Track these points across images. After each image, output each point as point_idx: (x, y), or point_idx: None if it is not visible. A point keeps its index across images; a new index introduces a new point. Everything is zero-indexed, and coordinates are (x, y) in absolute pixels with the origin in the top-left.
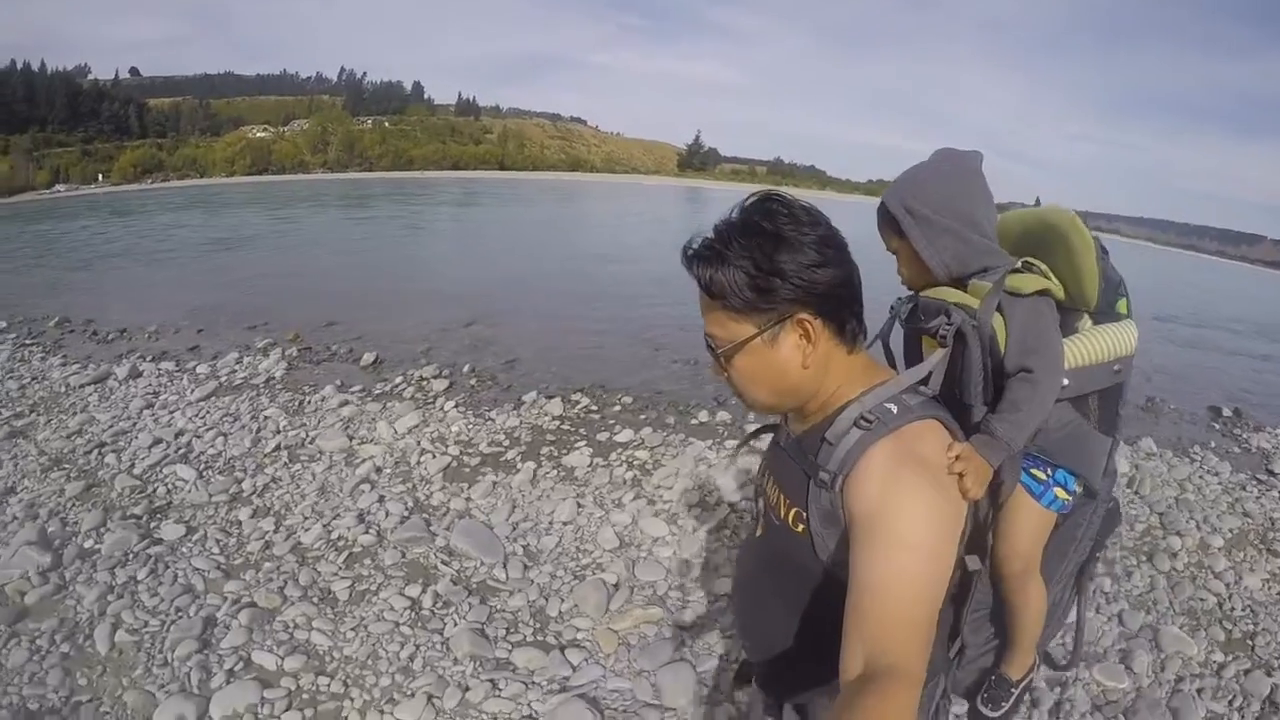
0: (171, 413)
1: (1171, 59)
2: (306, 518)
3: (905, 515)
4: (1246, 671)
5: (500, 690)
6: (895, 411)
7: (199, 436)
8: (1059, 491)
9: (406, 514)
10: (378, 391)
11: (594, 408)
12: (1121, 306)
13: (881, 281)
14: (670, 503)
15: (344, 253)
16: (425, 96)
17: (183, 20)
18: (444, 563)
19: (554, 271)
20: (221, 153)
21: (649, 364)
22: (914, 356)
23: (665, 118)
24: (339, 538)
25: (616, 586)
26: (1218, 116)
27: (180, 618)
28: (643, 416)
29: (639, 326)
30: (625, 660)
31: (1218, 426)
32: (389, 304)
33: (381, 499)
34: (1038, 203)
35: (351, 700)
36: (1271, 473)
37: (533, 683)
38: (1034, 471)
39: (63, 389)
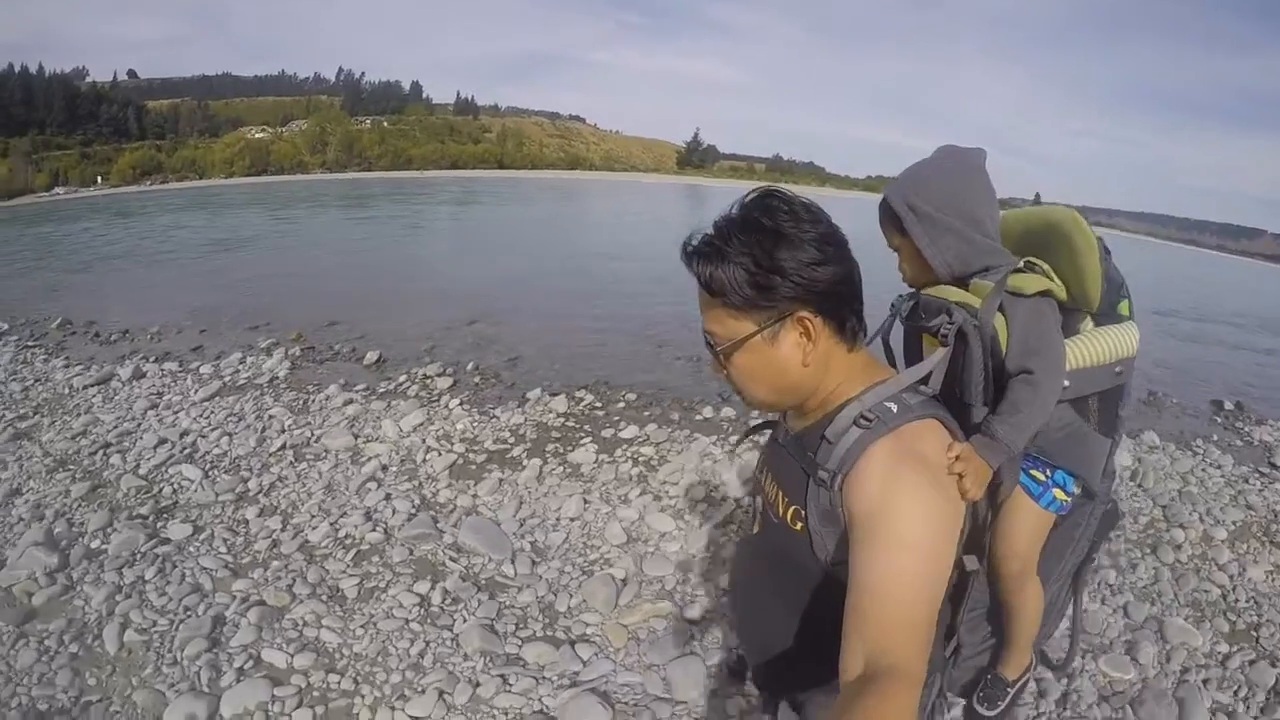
0: (176, 413)
1: (1173, 54)
2: (313, 516)
3: (905, 514)
4: (1251, 662)
5: (511, 685)
6: (895, 410)
7: (204, 436)
8: (1058, 493)
9: (413, 511)
10: (382, 390)
11: (598, 404)
12: (1123, 308)
13: (882, 279)
14: (676, 498)
15: (345, 253)
16: (424, 96)
17: (180, 21)
18: (452, 559)
19: (554, 270)
20: (220, 154)
21: (652, 361)
22: (914, 354)
23: (665, 115)
24: (346, 536)
25: (625, 581)
26: (1219, 111)
27: (189, 617)
28: (647, 413)
29: (640, 324)
30: (635, 654)
31: (1220, 420)
32: (391, 303)
33: (388, 497)
34: (1037, 198)
35: (362, 697)
36: (1274, 465)
37: (543, 678)
38: (1033, 472)
39: (66, 390)
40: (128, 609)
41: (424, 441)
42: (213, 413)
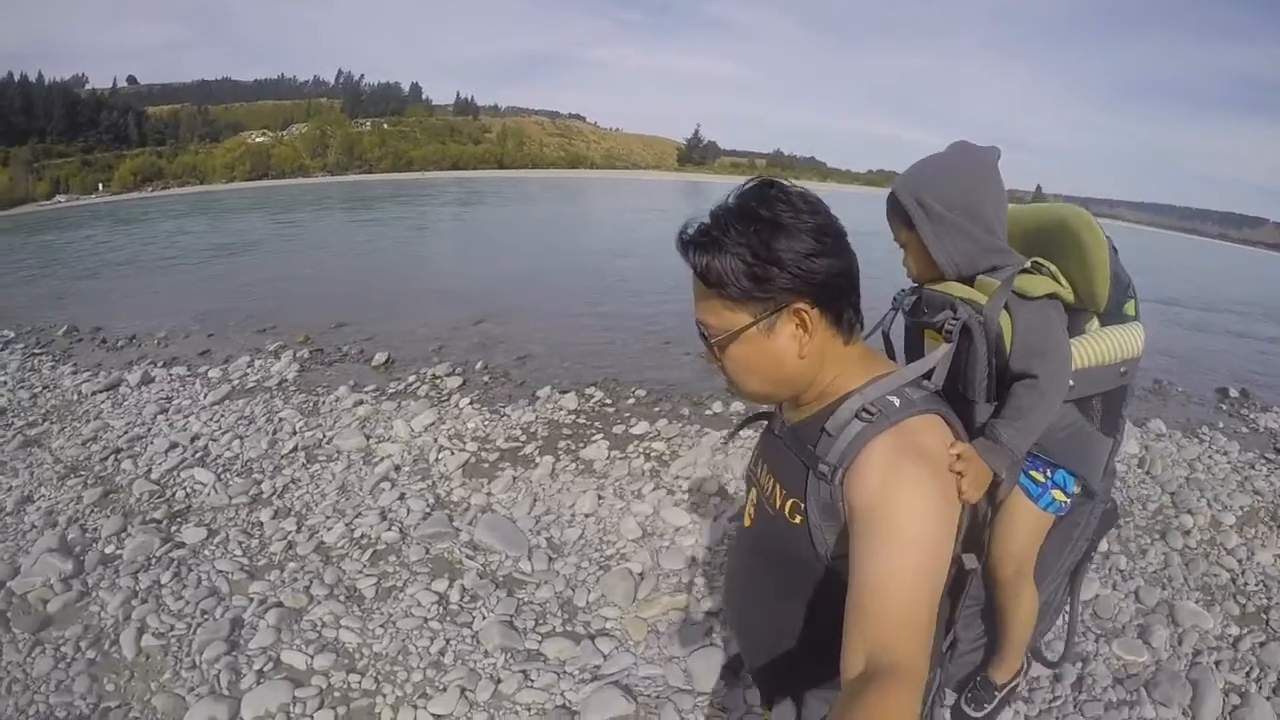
0: (186, 417)
1: (1173, 43)
2: (328, 517)
3: (906, 509)
4: (1262, 644)
5: (533, 681)
6: (897, 404)
7: (215, 440)
8: (1057, 494)
9: (428, 510)
10: (391, 391)
11: (608, 401)
12: (1129, 308)
13: (882, 273)
14: (690, 492)
15: (350, 255)
16: (423, 97)
17: (179, 26)
18: (469, 557)
19: (558, 268)
20: (221, 159)
21: (659, 357)
22: (914, 350)
23: (665, 113)
24: (362, 536)
25: (642, 575)
26: (1220, 100)
27: (206, 620)
28: (657, 409)
29: (646, 321)
30: (655, 647)
31: (1225, 407)
32: (397, 304)
33: (402, 496)
34: (1038, 189)
35: (384, 696)
36: (1279, 451)
37: (565, 672)
38: (1032, 473)
39: (75, 397)
40: (144, 614)
41: (436, 441)
42: (223, 416)
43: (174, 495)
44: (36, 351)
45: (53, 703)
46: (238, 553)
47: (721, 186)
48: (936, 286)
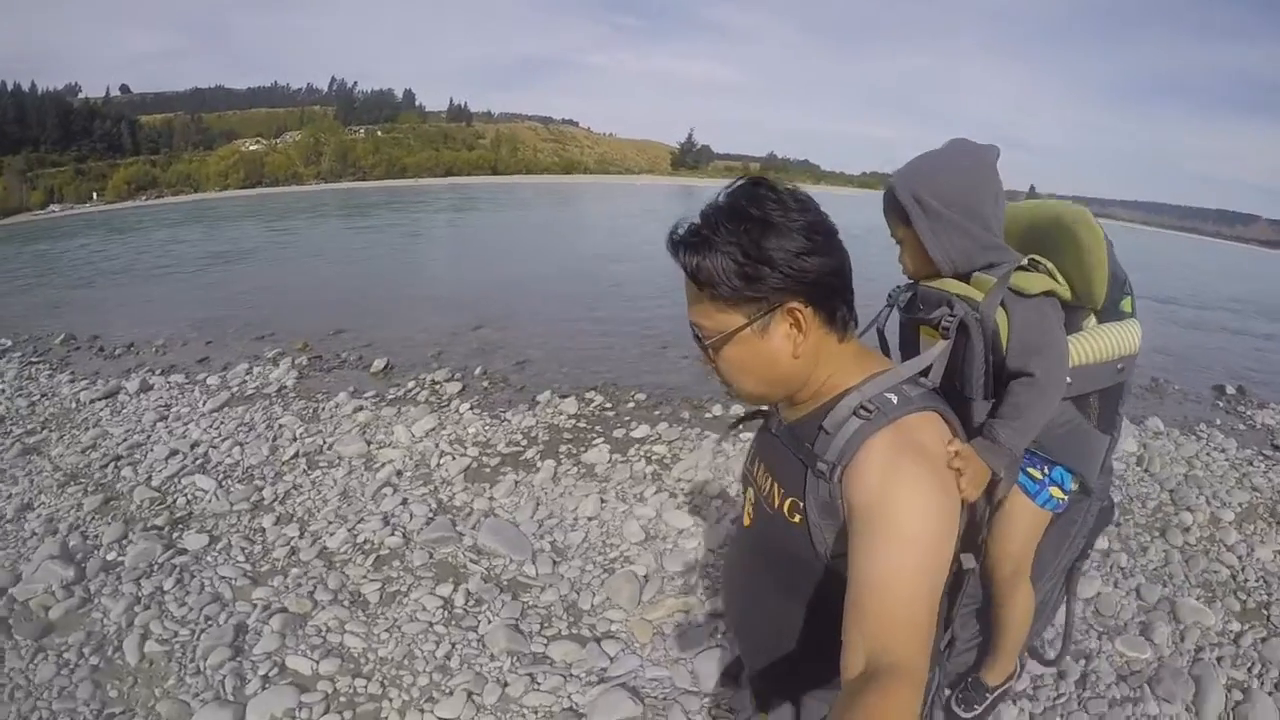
0: (185, 424)
1: (1171, 43)
2: (331, 522)
3: (905, 507)
4: (1263, 639)
5: (540, 684)
6: (895, 402)
7: (215, 447)
8: (1054, 491)
9: (431, 515)
10: (391, 396)
11: (608, 405)
12: (1126, 304)
13: (879, 272)
14: (692, 495)
15: (346, 262)
16: (417, 104)
17: (173, 35)
18: (473, 561)
19: (554, 273)
20: (215, 167)
21: (658, 361)
22: (909, 347)
23: (660, 117)
24: (365, 541)
25: (646, 578)
26: (1219, 100)
27: (210, 626)
28: (657, 412)
29: (643, 325)
30: (661, 649)
31: (1222, 405)
32: (395, 311)
33: (405, 501)
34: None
35: (390, 701)
36: (1277, 448)
37: (571, 675)
38: (1030, 470)
39: (73, 405)
40: (147, 620)
41: (437, 446)
42: (223, 423)
43: (175, 502)
44: (34, 360)
45: (56, 709)
46: (240, 559)
47: (714, 190)
48: (933, 283)
